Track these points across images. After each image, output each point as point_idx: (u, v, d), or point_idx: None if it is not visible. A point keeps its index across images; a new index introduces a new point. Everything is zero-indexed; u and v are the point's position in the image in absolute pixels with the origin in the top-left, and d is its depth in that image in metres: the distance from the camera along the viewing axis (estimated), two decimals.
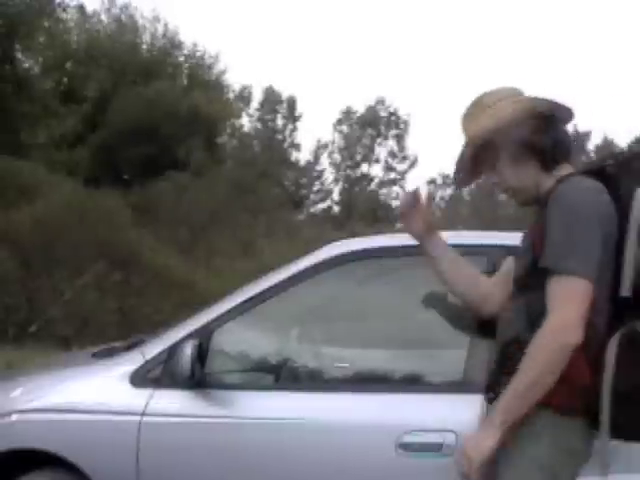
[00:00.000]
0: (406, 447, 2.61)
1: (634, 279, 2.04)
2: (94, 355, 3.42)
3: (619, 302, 2.07)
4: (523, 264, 2.20)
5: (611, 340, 2.04)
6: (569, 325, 2.00)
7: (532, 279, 2.14)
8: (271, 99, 36.74)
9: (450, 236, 2.62)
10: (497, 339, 2.25)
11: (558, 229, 2.07)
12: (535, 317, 2.08)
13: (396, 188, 37.54)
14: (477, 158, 2.32)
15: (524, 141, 2.21)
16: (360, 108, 38.56)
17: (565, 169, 2.24)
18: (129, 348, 3.19)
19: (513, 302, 2.22)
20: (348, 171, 38.60)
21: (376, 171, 38.48)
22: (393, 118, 38.16)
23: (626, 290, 2.04)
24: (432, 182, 34.91)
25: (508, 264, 2.42)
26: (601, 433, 2.04)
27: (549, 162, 2.23)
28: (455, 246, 2.53)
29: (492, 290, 2.41)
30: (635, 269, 2.04)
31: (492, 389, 2.21)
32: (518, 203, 2.37)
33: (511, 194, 2.34)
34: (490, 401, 2.23)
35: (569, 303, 2.01)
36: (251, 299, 2.94)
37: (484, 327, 2.50)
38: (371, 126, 38.10)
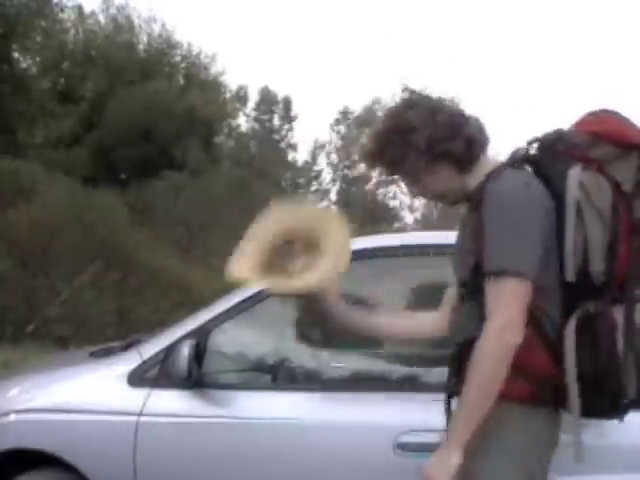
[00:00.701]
0: (404, 447, 2.61)
1: (576, 262, 2.03)
2: (91, 355, 3.42)
3: (569, 286, 2.06)
4: (467, 267, 2.16)
5: (568, 326, 2.03)
6: (506, 326, 1.98)
7: (480, 280, 2.10)
8: (267, 99, 36.74)
9: (449, 236, 2.61)
10: (452, 341, 2.24)
11: (491, 231, 2.05)
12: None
13: (393, 188, 37.55)
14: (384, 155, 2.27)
15: (434, 151, 2.18)
16: (357, 108, 38.63)
17: (483, 162, 2.22)
18: (126, 348, 3.19)
19: (465, 304, 2.20)
20: (345, 171, 38.63)
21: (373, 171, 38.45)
22: None
23: (570, 275, 2.03)
24: None
25: (449, 296, 2.40)
26: (572, 421, 2.05)
27: (465, 164, 2.21)
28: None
29: (438, 326, 2.40)
30: (575, 251, 2.03)
31: (454, 389, 2.21)
32: (448, 204, 2.35)
33: (439, 198, 2.34)
34: (453, 396, 2.23)
35: (504, 304, 2.00)
36: (248, 299, 2.94)
37: None
38: (368, 126, 38.11)
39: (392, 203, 37.81)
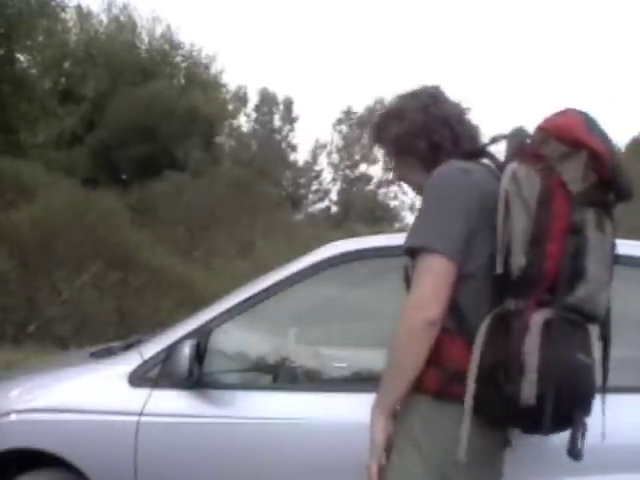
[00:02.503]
0: None
1: (503, 254, 1.99)
2: (92, 355, 3.42)
3: (497, 282, 2.02)
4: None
5: (483, 322, 1.99)
6: (422, 302, 1.98)
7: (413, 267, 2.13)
8: (267, 100, 36.73)
9: None
10: None
11: (422, 210, 2.11)
12: None
13: (394, 188, 37.55)
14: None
15: (396, 144, 2.32)
16: (359, 109, 38.60)
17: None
18: (127, 348, 3.19)
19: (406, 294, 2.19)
20: (346, 171, 38.62)
21: (374, 171, 38.48)
22: None
23: (499, 266, 1.99)
24: None
25: None
26: (465, 415, 1.97)
27: (428, 165, 2.26)
28: None
29: None
30: (505, 242, 1.99)
31: None
32: (416, 193, 2.41)
33: (407, 185, 2.44)
34: None
35: (423, 280, 2.00)
36: (249, 299, 2.94)
37: None
38: None
39: (392, 203, 37.82)
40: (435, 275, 2.00)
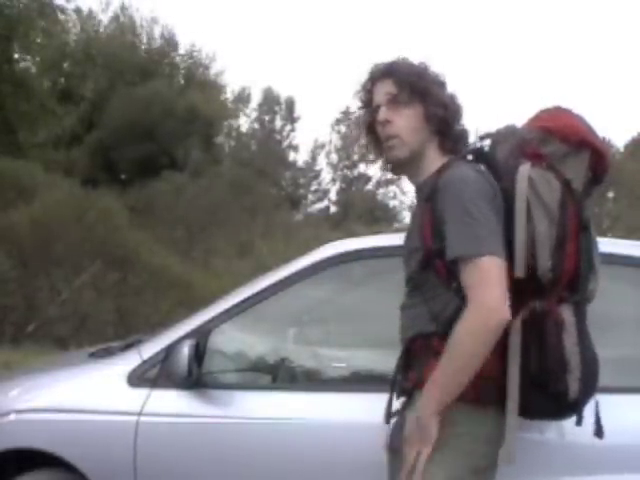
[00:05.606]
0: None
1: (526, 258, 2.02)
2: (91, 355, 3.42)
3: (516, 284, 2.03)
4: (415, 260, 2.16)
5: (513, 324, 2.01)
6: (496, 304, 1.95)
7: (427, 274, 2.12)
8: (269, 100, 36.73)
9: None
10: (400, 337, 2.24)
11: (457, 216, 2.03)
12: (437, 311, 2.08)
13: (393, 188, 37.54)
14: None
15: (445, 112, 2.20)
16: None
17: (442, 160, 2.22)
18: (126, 348, 3.19)
19: (411, 300, 2.20)
20: (345, 171, 38.60)
21: (373, 171, 38.46)
22: None
23: (520, 271, 2.02)
24: None
25: None
26: (508, 419, 2.02)
27: (446, 148, 2.22)
28: None
29: None
30: (526, 247, 2.02)
31: (400, 385, 2.23)
32: (390, 158, 2.27)
33: (392, 144, 2.23)
34: (398, 396, 2.25)
35: (490, 283, 1.97)
36: (248, 299, 2.94)
37: None
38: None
39: (391, 203, 37.80)
40: (501, 278, 1.98)
